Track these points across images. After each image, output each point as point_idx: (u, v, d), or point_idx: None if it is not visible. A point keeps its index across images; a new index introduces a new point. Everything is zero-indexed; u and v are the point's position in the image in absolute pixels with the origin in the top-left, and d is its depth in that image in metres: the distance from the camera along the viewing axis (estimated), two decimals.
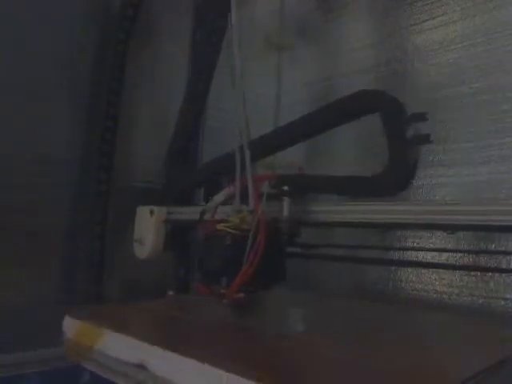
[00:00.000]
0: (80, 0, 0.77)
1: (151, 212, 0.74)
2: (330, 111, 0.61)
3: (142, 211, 0.76)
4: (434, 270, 0.70)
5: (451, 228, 0.50)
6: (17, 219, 0.68)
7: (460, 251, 0.67)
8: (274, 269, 0.52)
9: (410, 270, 0.72)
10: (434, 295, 0.69)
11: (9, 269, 0.67)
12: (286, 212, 0.55)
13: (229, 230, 0.51)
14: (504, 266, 0.63)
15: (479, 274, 0.65)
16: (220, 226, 0.52)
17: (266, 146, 0.67)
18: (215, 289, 0.50)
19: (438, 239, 0.69)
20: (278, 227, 0.54)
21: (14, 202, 0.68)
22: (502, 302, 0.63)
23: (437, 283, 0.69)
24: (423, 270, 0.71)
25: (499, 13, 0.67)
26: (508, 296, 0.63)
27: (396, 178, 0.53)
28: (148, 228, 0.74)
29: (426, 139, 0.50)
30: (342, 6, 0.89)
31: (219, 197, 0.58)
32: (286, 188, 0.56)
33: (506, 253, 0.63)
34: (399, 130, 0.52)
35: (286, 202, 0.55)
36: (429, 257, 0.70)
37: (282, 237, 0.54)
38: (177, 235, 0.76)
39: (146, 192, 0.83)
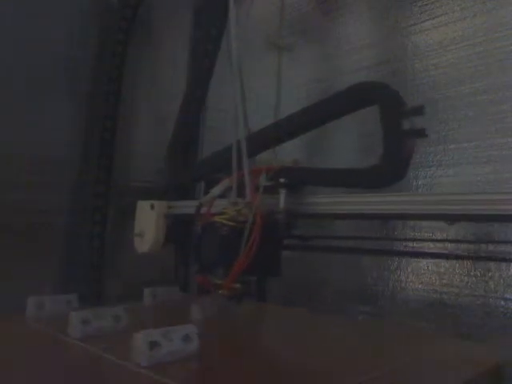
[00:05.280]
0: (80, 0, 0.77)
1: (152, 206, 0.74)
2: (328, 103, 0.61)
3: (143, 205, 0.76)
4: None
5: (451, 218, 0.50)
6: (17, 219, 0.68)
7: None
8: (268, 262, 0.52)
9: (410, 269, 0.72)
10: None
11: (9, 269, 0.67)
12: (282, 204, 0.55)
13: (225, 221, 0.51)
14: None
15: (479, 274, 0.65)
16: (217, 218, 0.52)
17: (264, 139, 0.66)
18: (212, 279, 0.51)
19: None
20: (275, 219, 0.54)
21: (14, 202, 0.68)
22: (502, 302, 0.63)
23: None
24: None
25: (499, 13, 0.67)
26: (508, 296, 0.62)
27: (390, 169, 0.52)
28: (149, 221, 0.74)
29: (421, 133, 0.50)
30: (341, 5, 0.89)
31: (216, 190, 0.57)
32: (282, 180, 0.55)
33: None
34: (395, 122, 0.50)
35: (282, 194, 0.55)
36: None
37: (278, 229, 0.53)
38: (177, 229, 0.76)
39: (146, 192, 0.83)
